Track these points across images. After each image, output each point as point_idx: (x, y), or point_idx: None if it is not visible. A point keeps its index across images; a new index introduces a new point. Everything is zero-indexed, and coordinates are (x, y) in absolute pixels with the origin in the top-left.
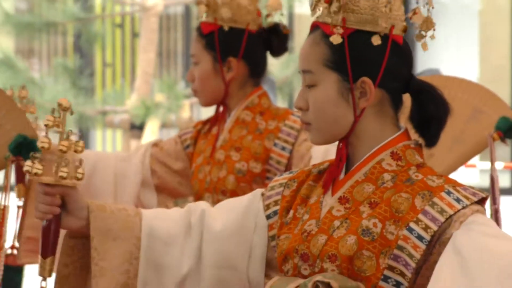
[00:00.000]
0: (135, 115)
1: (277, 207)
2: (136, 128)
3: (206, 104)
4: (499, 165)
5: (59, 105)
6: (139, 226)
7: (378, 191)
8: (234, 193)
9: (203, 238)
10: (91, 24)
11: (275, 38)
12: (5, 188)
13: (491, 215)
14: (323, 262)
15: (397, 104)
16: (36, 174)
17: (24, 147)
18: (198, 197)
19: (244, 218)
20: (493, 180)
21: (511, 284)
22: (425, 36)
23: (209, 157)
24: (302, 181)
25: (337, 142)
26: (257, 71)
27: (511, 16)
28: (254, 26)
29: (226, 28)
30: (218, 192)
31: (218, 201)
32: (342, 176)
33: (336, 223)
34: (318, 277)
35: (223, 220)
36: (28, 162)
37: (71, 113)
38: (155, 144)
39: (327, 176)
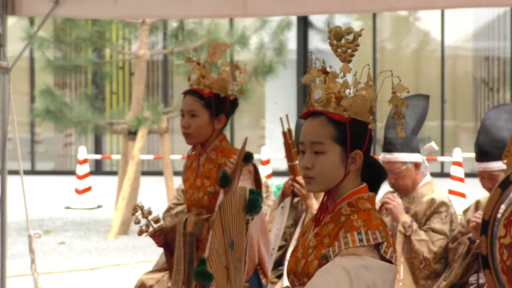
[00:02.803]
0: (131, 125)
1: None
2: (132, 134)
3: (193, 143)
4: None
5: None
6: None
7: (335, 228)
8: (209, 208)
9: None
10: (103, 66)
11: (235, 105)
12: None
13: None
14: (304, 278)
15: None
16: None
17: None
18: (188, 210)
19: None
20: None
21: None
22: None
23: (193, 184)
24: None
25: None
26: (226, 124)
27: None
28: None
29: (221, 95)
30: (199, 207)
31: (200, 213)
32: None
33: (310, 251)
34: None
35: None
36: None
37: None
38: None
39: (316, 221)
